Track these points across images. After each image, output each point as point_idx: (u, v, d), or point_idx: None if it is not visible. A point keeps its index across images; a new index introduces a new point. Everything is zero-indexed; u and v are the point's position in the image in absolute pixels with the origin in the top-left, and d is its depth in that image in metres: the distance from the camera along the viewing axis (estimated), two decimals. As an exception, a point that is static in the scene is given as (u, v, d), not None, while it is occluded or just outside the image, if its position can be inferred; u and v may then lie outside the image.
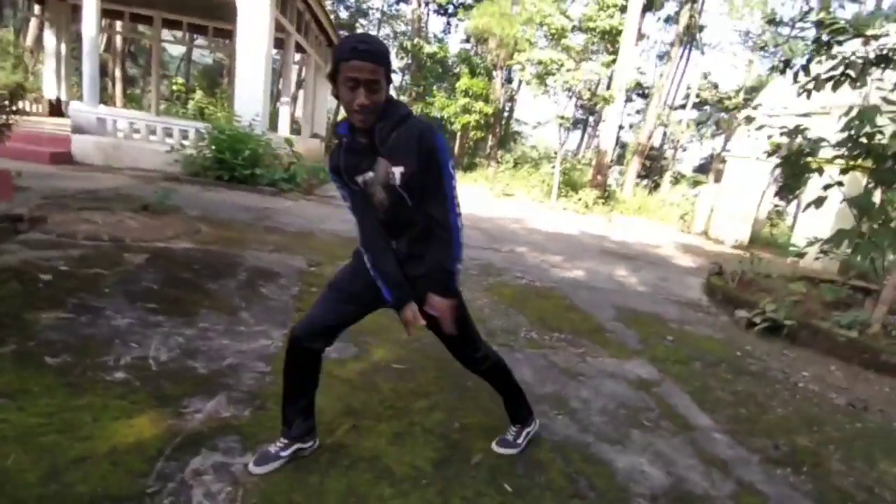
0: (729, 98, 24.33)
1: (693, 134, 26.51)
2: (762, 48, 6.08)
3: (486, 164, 21.22)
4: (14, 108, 5.18)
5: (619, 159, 27.27)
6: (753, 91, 21.37)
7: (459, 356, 1.97)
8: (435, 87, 21.07)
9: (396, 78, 28.69)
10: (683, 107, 26.36)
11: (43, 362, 2.22)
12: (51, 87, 12.46)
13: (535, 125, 27.73)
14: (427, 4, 25.92)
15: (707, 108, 26.60)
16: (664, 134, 28.37)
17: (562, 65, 12.04)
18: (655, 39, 28.72)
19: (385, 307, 1.80)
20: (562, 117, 13.36)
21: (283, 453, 1.83)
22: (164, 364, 2.42)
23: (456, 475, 1.96)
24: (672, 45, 24.74)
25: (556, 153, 14.28)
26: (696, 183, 22.09)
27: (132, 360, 2.40)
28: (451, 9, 25.04)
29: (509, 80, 21.91)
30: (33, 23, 18.17)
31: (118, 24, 15.25)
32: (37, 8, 12.82)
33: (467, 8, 22.13)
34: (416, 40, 21.01)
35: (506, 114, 23.96)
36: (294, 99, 22.08)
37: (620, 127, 30.72)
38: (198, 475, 1.74)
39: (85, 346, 2.44)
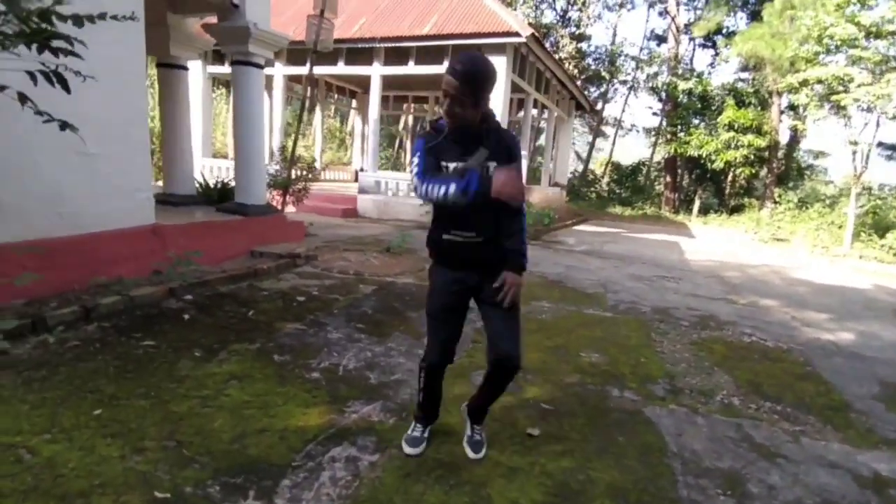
0: None
1: None
2: None
3: (759, 206, 18.21)
4: (310, 177, 7.05)
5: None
6: None
7: (505, 346, 2.00)
8: (695, 124, 19.37)
9: (654, 120, 27.41)
10: None
11: (271, 358, 3.01)
12: (357, 160, 16.27)
13: (817, 155, 22.67)
14: (691, 41, 24.46)
15: None
16: None
17: (851, 80, 9.67)
18: None
19: (472, 296, 2.06)
20: (854, 142, 10.59)
21: (425, 435, 2.31)
22: (349, 371, 2.96)
23: (554, 523, 1.85)
24: None
25: (861, 185, 11.29)
26: None
27: (328, 364, 3.01)
28: (718, 39, 23.04)
29: (792, 108, 18.61)
30: (353, 111, 24.12)
31: (411, 107, 19.16)
32: (353, 102, 17.14)
33: (729, 35, 20.00)
34: (669, 79, 19.91)
35: (786, 146, 20.31)
36: (536, 150, 23.30)
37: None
38: (333, 461, 2.11)
39: (302, 350, 3.18)
